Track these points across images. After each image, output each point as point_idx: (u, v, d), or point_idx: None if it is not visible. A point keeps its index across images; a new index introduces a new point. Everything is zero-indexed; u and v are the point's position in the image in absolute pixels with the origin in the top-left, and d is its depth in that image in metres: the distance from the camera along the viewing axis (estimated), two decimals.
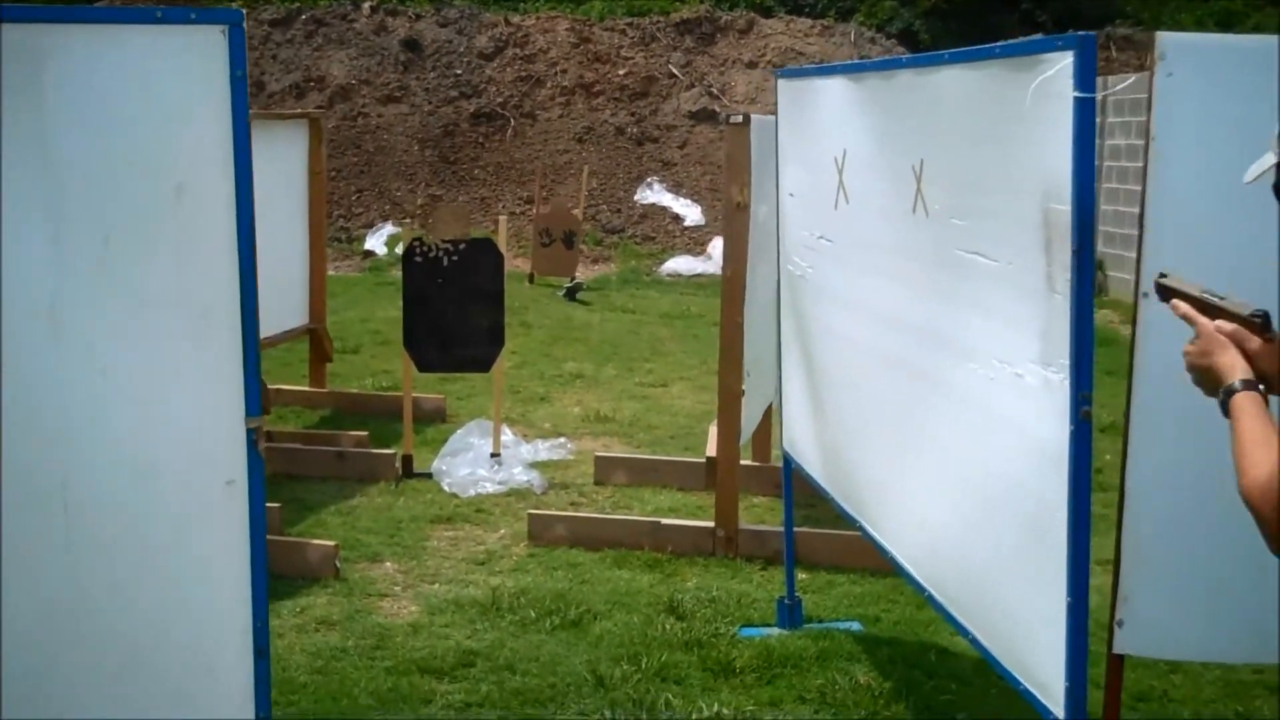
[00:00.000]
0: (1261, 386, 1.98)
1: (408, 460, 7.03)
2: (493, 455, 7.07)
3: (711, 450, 6.62)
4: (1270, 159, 2.03)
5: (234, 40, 2.56)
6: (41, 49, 2.52)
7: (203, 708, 2.68)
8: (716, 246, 14.29)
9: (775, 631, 4.97)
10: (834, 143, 4.14)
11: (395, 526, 6.26)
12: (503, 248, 7.23)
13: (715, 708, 4.33)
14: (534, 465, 7.17)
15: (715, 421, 6.35)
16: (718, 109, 17.50)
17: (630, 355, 10.55)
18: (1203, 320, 2.08)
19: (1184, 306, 2.14)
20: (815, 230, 4.45)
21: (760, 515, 6.44)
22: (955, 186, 3.11)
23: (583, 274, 14.26)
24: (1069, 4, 22.29)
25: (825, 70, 4.42)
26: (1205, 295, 2.13)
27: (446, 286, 6.99)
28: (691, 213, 16.52)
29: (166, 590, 2.65)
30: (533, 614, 5.13)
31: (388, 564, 5.78)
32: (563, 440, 7.75)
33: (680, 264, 15.34)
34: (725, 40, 19.24)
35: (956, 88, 3.05)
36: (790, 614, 5.01)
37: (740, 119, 5.76)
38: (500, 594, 5.34)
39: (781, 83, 4.89)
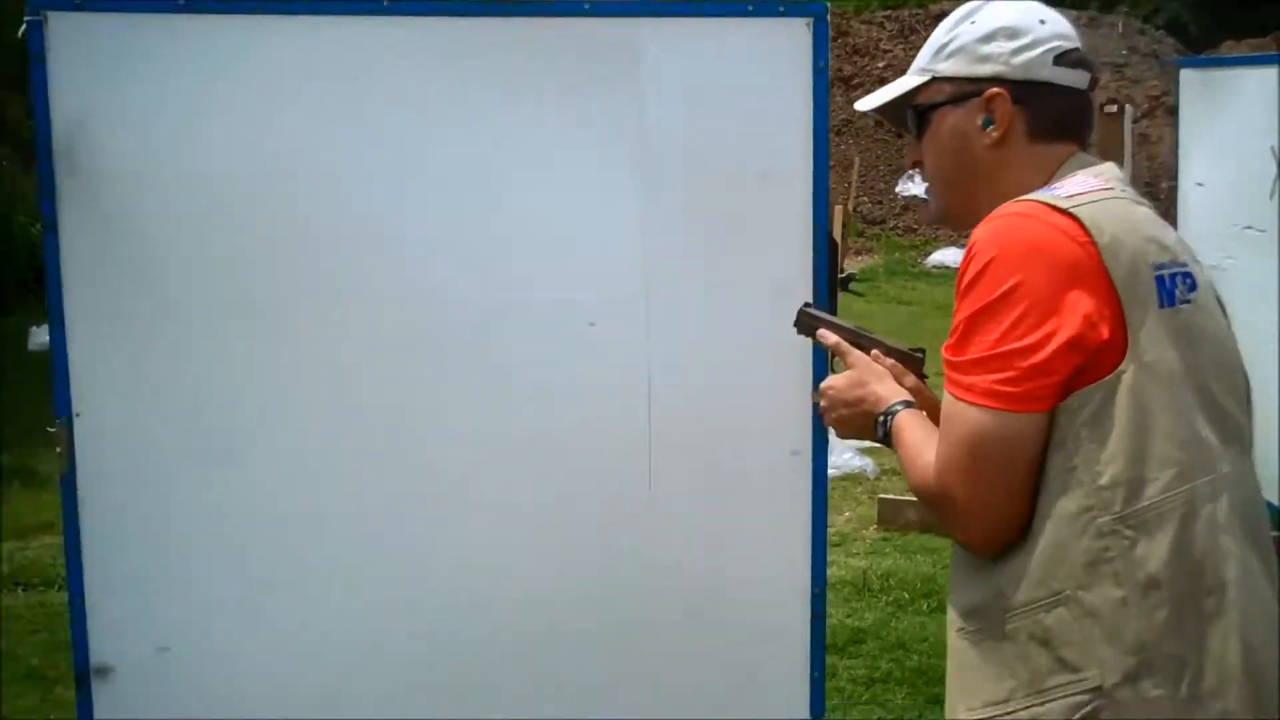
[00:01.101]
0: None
1: None
2: None
3: None
4: (912, 80, 1.89)
5: (818, 33, 2.68)
6: (638, 40, 2.71)
7: (766, 664, 2.85)
8: None
9: None
10: (1268, 131, 4.09)
11: None
12: (836, 235, 7.31)
13: None
14: (864, 451, 7.25)
15: None
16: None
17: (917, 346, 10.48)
18: (857, 352, 1.95)
19: (833, 338, 1.99)
20: (1239, 221, 4.41)
21: None
22: None
23: (849, 265, 14.25)
24: None
25: (1251, 60, 4.36)
26: (859, 329, 2.00)
27: None
28: None
29: (735, 553, 2.83)
30: (906, 596, 5.22)
31: None
32: None
33: (947, 255, 15.19)
34: None
35: None
36: None
37: (1115, 109, 5.71)
38: (868, 576, 5.44)
39: (1185, 73, 4.84)
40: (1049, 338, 1.56)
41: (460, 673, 2.93)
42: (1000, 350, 1.57)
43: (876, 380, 1.88)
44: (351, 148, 2.78)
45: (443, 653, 2.92)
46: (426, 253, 2.80)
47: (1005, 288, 1.58)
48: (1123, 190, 1.71)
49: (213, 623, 2.93)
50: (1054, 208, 1.62)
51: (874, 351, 1.94)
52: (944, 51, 1.83)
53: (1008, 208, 1.66)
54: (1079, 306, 1.56)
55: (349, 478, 2.88)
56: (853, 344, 1.97)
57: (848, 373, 1.92)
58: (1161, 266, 1.62)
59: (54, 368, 2.78)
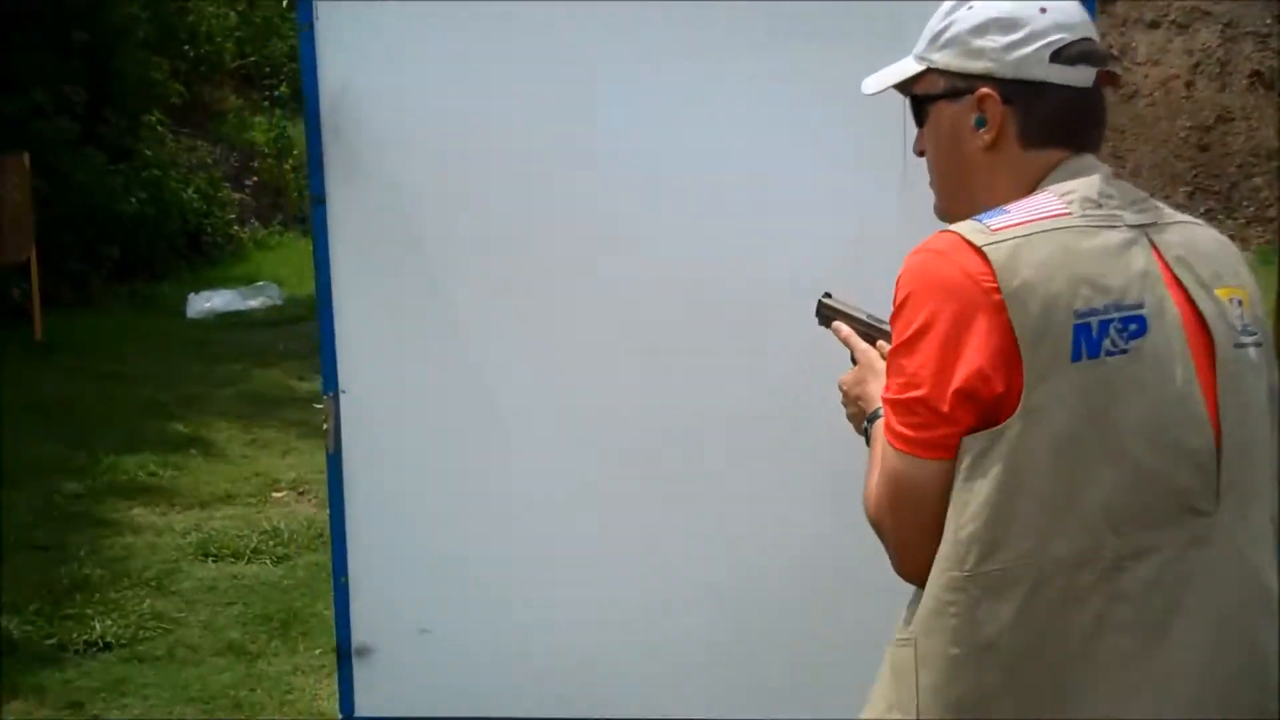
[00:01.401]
0: None
1: None
2: None
3: None
4: (910, 67, 1.71)
5: None
6: (903, 25, 2.47)
7: None
8: None
9: None
10: None
11: None
12: None
13: None
14: None
15: None
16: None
17: None
18: (862, 346, 1.87)
19: (845, 330, 1.93)
20: None
21: None
22: None
23: None
24: None
25: None
26: (870, 319, 1.93)
27: None
28: None
29: None
30: None
31: None
32: None
33: None
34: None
35: None
36: None
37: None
38: None
39: None
40: (945, 387, 1.47)
41: (712, 663, 2.80)
42: (906, 396, 1.51)
43: (874, 378, 1.79)
44: (617, 127, 2.68)
45: (696, 642, 2.80)
46: (690, 238, 2.68)
47: (913, 329, 1.50)
48: (1084, 215, 1.52)
49: (472, 606, 2.84)
50: (970, 244, 1.49)
51: (879, 343, 1.85)
52: (939, 40, 1.66)
53: (932, 239, 1.55)
54: (975, 357, 1.46)
55: (610, 461, 2.77)
56: (863, 335, 1.91)
57: (855, 368, 1.87)
58: (1090, 313, 1.46)
59: (321, 343, 2.73)
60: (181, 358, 8.86)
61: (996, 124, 1.60)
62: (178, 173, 11.84)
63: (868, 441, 1.73)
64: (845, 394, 1.86)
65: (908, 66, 1.71)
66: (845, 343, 1.93)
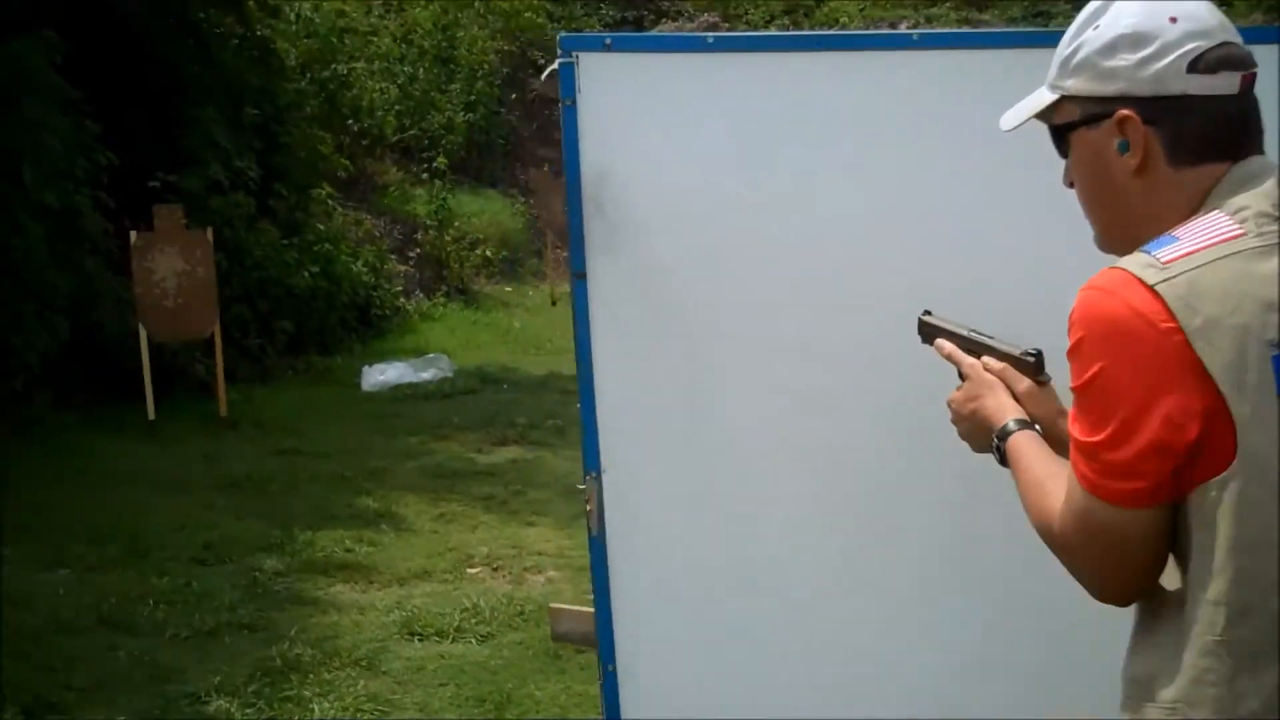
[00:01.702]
0: (1037, 428, 1.75)
1: None
2: None
3: None
4: (1044, 98, 1.64)
5: None
6: None
7: None
8: None
9: None
10: None
11: None
12: None
13: None
14: None
15: None
16: None
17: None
18: (969, 361, 1.88)
19: (949, 347, 1.95)
20: None
21: None
22: None
23: None
24: None
25: None
26: (972, 335, 1.94)
27: None
28: None
29: None
30: None
31: None
32: None
33: None
34: None
35: None
36: None
37: None
38: None
39: None
40: (1129, 439, 1.40)
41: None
42: (1090, 440, 1.44)
43: (988, 392, 1.82)
44: (885, 187, 2.59)
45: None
46: (944, 297, 2.49)
47: (1090, 374, 1.44)
48: (1261, 233, 1.44)
49: (743, 690, 2.72)
50: (1140, 281, 1.41)
51: (983, 359, 1.87)
52: (1069, 65, 1.60)
53: (1101, 275, 1.48)
54: (1159, 405, 1.38)
55: (875, 530, 2.67)
56: (966, 351, 1.92)
57: (964, 385, 1.88)
58: None
59: (582, 421, 2.65)
60: (361, 431, 8.97)
61: (1141, 146, 1.53)
62: (347, 246, 12.09)
63: (999, 458, 1.75)
64: (956, 412, 1.88)
65: (1042, 97, 1.65)
66: (949, 359, 1.94)
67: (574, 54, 2.55)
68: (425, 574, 6.02)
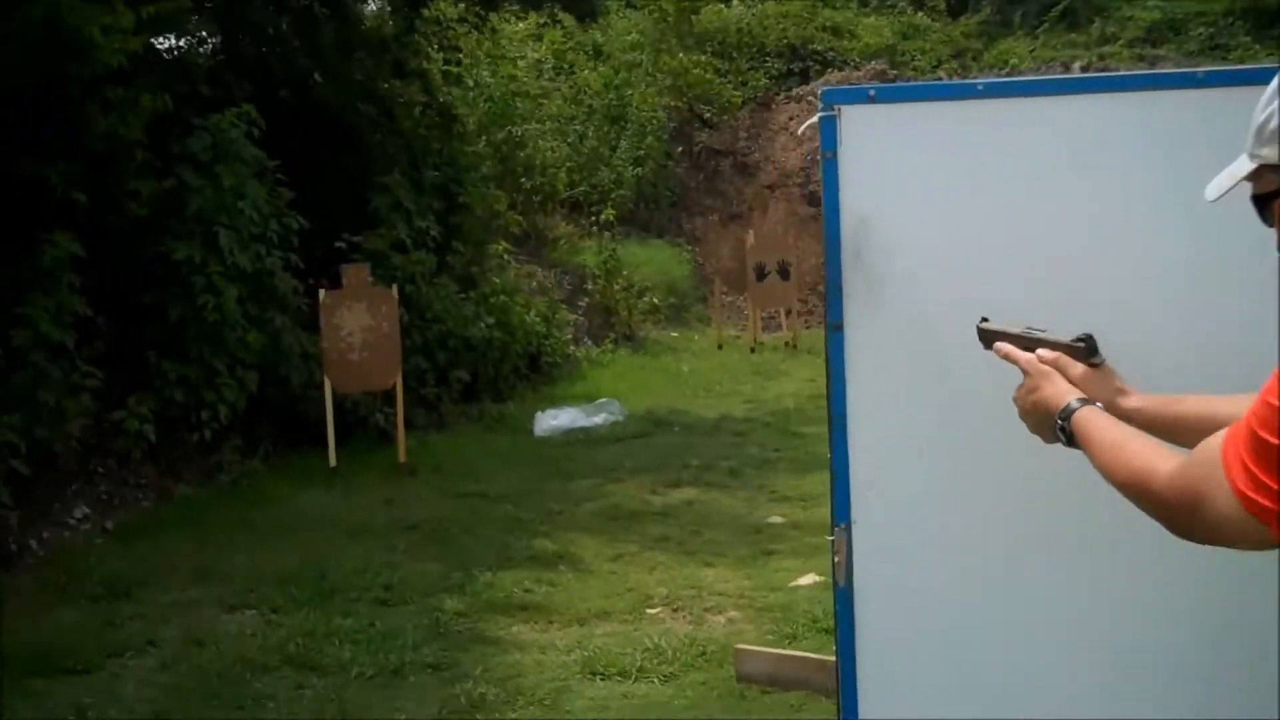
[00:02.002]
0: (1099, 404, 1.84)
1: None
2: None
3: None
4: (1243, 166, 1.59)
5: None
6: None
7: None
8: None
9: None
10: None
11: None
12: None
13: None
14: None
15: None
16: None
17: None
18: (1024, 355, 1.96)
19: (1005, 347, 2.01)
20: None
21: None
22: None
23: None
24: None
25: None
26: (1027, 332, 2.01)
27: None
28: None
29: None
30: None
31: None
32: None
33: None
34: None
35: None
36: None
37: None
38: None
39: None
40: None
41: None
42: (1268, 441, 1.41)
43: (1044, 381, 1.88)
44: (1176, 236, 2.43)
45: None
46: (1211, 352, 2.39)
47: None
48: None
49: None
50: None
51: (1038, 352, 1.94)
52: (1264, 134, 1.56)
53: None
54: None
55: (1149, 609, 2.51)
56: (1023, 349, 1.98)
57: (1024, 380, 1.95)
58: None
59: (833, 471, 2.61)
60: (535, 475, 9.01)
61: None
62: (521, 297, 12.27)
63: (1067, 441, 1.82)
64: (1020, 407, 1.95)
65: (1242, 165, 1.61)
66: (1007, 358, 2.00)
67: (836, 107, 2.54)
68: (605, 614, 5.97)
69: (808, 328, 15.81)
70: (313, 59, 10.72)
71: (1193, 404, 1.92)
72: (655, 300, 15.46)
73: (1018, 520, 2.52)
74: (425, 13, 11.63)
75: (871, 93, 2.54)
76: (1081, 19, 23.27)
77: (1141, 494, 1.64)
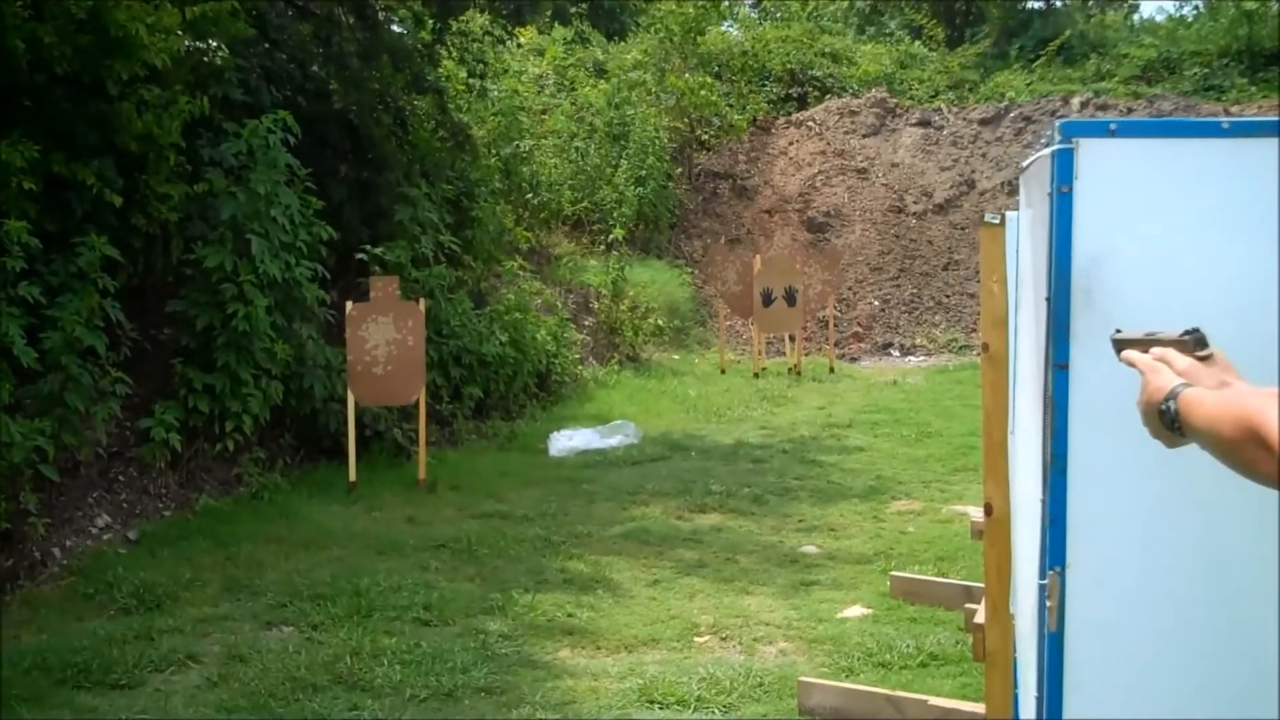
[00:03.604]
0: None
1: None
2: None
3: None
4: None
5: None
6: None
7: None
8: None
9: None
10: None
11: None
12: None
13: None
14: None
15: None
16: None
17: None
18: (1139, 356, 1.98)
19: (1129, 354, 2.03)
20: None
21: None
22: None
23: None
24: None
25: None
26: (1147, 336, 2.03)
27: None
28: None
29: None
30: None
31: None
32: None
33: None
34: None
35: None
36: None
37: None
38: None
39: None
40: None
41: None
42: None
43: (1152, 376, 1.90)
44: None
45: None
46: None
47: None
48: None
49: None
50: None
51: (1151, 351, 1.96)
52: None
53: None
54: None
55: None
56: (1145, 352, 1.99)
57: (1142, 385, 1.94)
58: None
59: (1050, 515, 2.52)
60: (557, 496, 8.93)
61: None
62: (532, 315, 12.20)
63: (1176, 430, 1.83)
64: (1141, 412, 1.94)
65: None
66: (1130, 365, 2.01)
67: (1074, 140, 2.46)
68: (653, 641, 5.89)
69: (807, 354, 15.82)
70: (332, 65, 10.64)
71: None
72: (660, 322, 15.42)
73: (1237, 568, 2.46)
74: (454, 24, 11.57)
75: (1112, 126, 2.48)
76: (1078, 54, 23.50)
77: (1250, 442, 1.64)
